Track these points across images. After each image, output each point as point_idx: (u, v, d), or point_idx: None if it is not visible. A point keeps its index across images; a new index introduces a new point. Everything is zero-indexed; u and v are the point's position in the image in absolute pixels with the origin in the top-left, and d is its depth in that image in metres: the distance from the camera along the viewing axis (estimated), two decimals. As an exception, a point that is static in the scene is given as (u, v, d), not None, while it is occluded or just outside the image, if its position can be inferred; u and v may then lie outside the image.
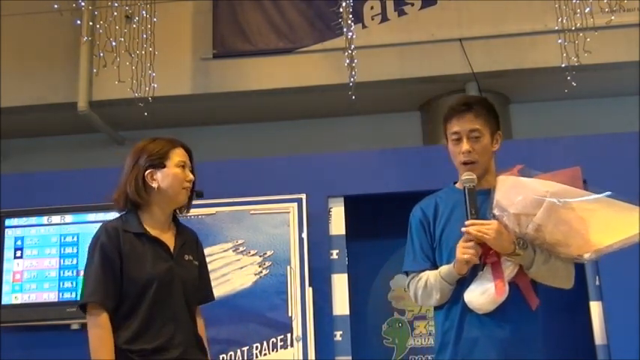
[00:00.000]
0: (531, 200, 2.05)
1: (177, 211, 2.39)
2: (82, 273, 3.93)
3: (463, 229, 2.11)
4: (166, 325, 2.19)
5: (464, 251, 2.08)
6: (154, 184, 2.27)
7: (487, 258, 2.11)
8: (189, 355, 2.24)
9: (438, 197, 2.34)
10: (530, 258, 2.12)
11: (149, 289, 2.18)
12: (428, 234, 2.28)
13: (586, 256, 2.08)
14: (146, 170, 2.27)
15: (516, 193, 2.08)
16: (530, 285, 2.17)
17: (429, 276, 2.21)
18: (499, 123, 2.32)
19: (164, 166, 2.28)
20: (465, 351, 2.12)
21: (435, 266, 2.24)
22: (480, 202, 2.17)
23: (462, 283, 2.16)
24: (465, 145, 2.22)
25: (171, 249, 2.28)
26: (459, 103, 2.28)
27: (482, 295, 2.09)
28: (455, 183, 2.35)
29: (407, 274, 2.33)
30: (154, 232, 2.26)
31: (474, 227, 2.09)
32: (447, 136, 2.32)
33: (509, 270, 2.11)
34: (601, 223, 2.04)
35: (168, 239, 2.30)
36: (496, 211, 2.10)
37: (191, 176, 2.34)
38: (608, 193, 2.08)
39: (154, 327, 2.18)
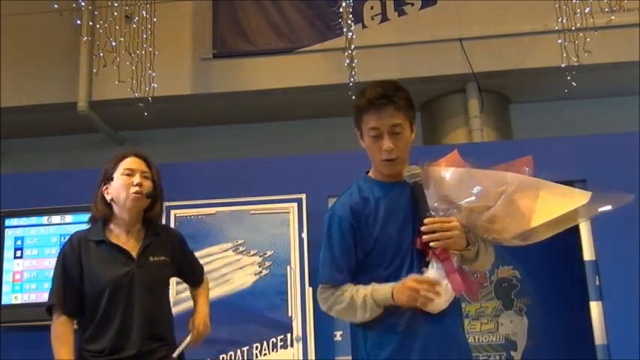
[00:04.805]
0: (492, 192, 1.93)
1: (149, 217, 2.44)
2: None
3: (424, 228, 1.93)
4: (123, 326, 2.28)
5: (420, 297, 1.87)
6: (109, 197, 2.39)
7: (440, 254, 1.95)
8: (148, 353, 2.29)
9: (361, 192, 2.08)
10: (476, 251, 2.01)
11: (104, 292, 2.29)
12: (358, 238, 2.02)
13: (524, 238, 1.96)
14: (103, 186, 2.40)
15: (472, 185, 1.95)
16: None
17: (357, 293, 1.96)
18: (414, 109, 2.11)
19: (113, 179, 2.39)
20: (425, 351, 1.94)
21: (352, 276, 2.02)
22: (397, 193, 2.04)
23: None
24: (388, 143, 2.00)
25: (133, 253, 2.35)
26: (377, 96, 2.03)
27: (445, 293, 1.93)
28: (367, 172, 2.15)
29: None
30: (115, 240, 2.37)
31: (435, 226, 1.93)
32: (360, 128, 2.08)
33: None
34: (541, 206, 1.93)
35: (132, 244, 2.38)
36: (437, 204, 1.97)
37: (138, 180, 2.36)
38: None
39: (109, 328, 2.28)
